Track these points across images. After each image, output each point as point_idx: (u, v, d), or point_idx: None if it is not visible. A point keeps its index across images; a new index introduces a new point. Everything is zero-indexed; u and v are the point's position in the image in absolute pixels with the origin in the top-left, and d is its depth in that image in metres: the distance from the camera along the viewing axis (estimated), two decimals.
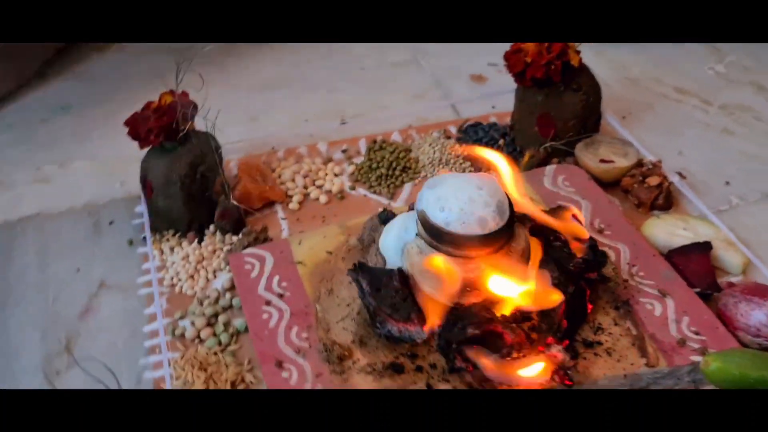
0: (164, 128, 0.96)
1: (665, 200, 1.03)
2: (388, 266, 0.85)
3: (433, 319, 0.80)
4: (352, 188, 1.09)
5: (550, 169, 1.06)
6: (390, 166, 1.10)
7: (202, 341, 0.89)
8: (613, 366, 0.81)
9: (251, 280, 0.91)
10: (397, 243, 0.84)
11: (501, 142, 1.15)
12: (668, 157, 1.11)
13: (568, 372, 0.78)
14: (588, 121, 1.10)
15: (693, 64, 1.36)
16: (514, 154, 1.12)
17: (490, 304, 0.79)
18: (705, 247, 0.94)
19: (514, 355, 0.78)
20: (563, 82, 1.06)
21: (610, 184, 1.06)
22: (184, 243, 1.00)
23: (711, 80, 1.32)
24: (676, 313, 0.86)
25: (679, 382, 0.82)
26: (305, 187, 1.09)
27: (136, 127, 0.97)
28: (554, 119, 1.08)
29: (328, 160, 1.14)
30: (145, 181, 1.01)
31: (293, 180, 1.10)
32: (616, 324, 0.85)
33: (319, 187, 1.09)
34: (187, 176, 0.98)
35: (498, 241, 0.79)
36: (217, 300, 0.93)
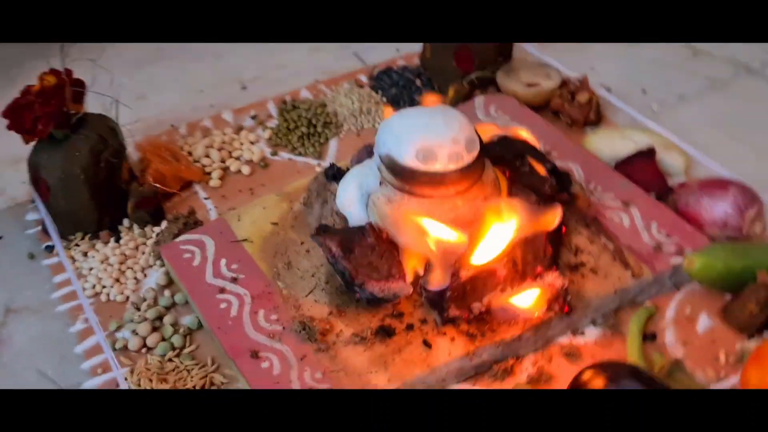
0: (53, 114, 0.81)
1: (596, 115, 1.02)
2: (352, 225, 0.77)
3: (414, 271, 0.73)
4: (274, 153, 0.99)
5: (479, 100, 1.01)
6: (309, 125, 1.01)
7: (150, 350, 0.76)
8: (601, 284, 0.78)
9: (195, 269, 0.79)
10: (359, 197, 0.76)
11: (418, 82, 1.09)
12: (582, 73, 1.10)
13: (567, 298, 0.74)
14: (504, 49, 1.07)
15: None
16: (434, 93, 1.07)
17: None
18: (650, 153, 0.93)
19: (508, 290, 0.73)
20: None
21: (538, 108, 1.03)
22: (98, 245, 0.86)
23: None
24: (643, 220, 0.84)
25: (663, 288, 0.81)
26: (222, 161, 0.97)
27: (18, 118, 0.81)
28: (472, 51, 1.03)
29: (238, 129, 1.03)
30: (37, 181, 0.86)
31: (207, 155, 0.98)
32: (591, 242, 0.82)
33: (237, 158, 0.98)
34: (90, 166, 0.84)
35: (473, 175, 0.73)
36: (155, 300, 0.81)
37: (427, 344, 0.72)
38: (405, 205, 0.72)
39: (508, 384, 0.73)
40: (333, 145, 1.00)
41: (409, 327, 0.74)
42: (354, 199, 0.77)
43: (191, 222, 0.87)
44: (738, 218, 0.83)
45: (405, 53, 1.16)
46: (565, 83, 1.04)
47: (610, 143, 0.96)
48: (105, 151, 0.85)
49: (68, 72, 0.83)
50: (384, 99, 1.06)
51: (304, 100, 1.06)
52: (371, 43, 1.19)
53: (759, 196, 0.85)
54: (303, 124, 1.01)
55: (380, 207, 0.74)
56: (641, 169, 0.92)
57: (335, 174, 0.82)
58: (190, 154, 0.98)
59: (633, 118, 1.03)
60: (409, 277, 0.73)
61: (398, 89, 1.07)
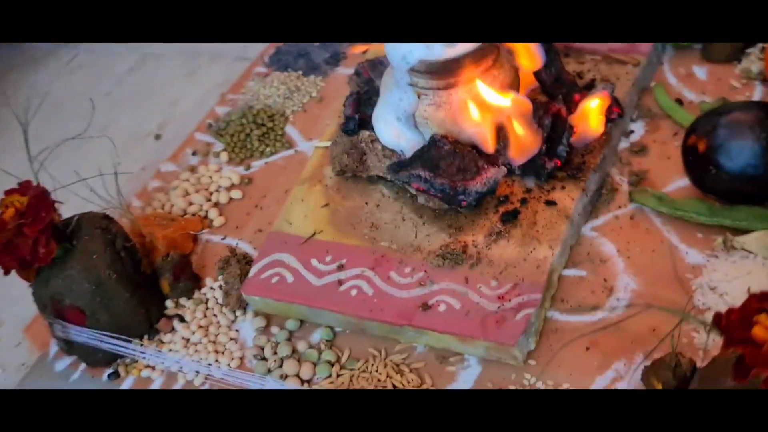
0: (48, 230, 0.69)
1: None
2: (409, 152, 0.75)
3: (493, 148, 0.73)
4: (248, 168, 0.92)
5: None
6: (257, 125, 0.95)
7: (310, 381, 0.70)
8: (619, 85, 0.83)
9: (297, 284, 0.73)
10: (404, 124, 0.74)
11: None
12: None
13: (616, 101, 0.77)
14: None
15: None
16: (335, 48, 1.05)
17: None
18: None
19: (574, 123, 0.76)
20: None
21: None
22: (164, 337, 0.76)
23: None
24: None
25: (653, 66, 0.89)
26: (208, 199, 0.89)
27: (12, 255, 0.68)
28: None
29: (192, 169, 0.94)
30: (61, 313, 0.73)
31: (190, 203, 0.89)
32: (582, 63, 0.87)
33: (218, 190, 0.90)
34: (114, 262, 0.73)
35: (492, 48, 0.73)
36: (275, 349, 0.73)
37: (550, 203, 0.73)
38: (455, 99, 0.72)
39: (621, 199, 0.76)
40: (293, 131, 0.96)
41: (523, 201, 0.74)
42: (400, 130, 0.75)
43: (242, 259, 0.79)
44: None
45: None
46: None
47: None
48: (117, 240, 0.74)
49: (28, 183, 0.71)
50: (300, 72, 1.03)
51: (229, 113, 1.00)
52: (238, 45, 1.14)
53: None
54: (252, 128, 0.95)
55: (434, 115, 0.73)
56: None
57: (357, 124, 0.79)
58: (170, 212, 0.88)
59: None
60: (494, 156, 0.73)
61: (304, 57, 1.04)
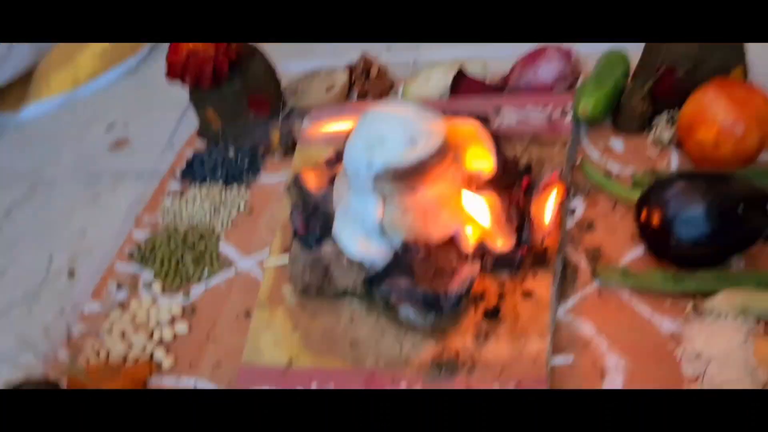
0: None
1: (389, 78, 1.08)
2: (379, 262, 0.72)
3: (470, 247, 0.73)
4: (187, 294, 0.85)
5: (306, 121, 0.99)
6: (188, 247, 0.89)
7: None
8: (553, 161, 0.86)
9: None
10: (370, 235, 0.72)
11: (231, 154, 1.02)
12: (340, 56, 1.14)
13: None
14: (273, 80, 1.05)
15: None
16: (249, 154, 1.01)
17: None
18: (462, 73, 1.03)
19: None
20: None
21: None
22: None
23: None
24: (519, 112, 0.94)
25: (576, 142, 0.93)
26: (150, 338, 0.81)
27: None
28: (264, 91, 1.01)
29: (123, 305, 0.85)
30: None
31: (129, 347, 0.80)
32: (524, 149, 0.90)
33: (159, 326, 0.82)
34: None
35: (446, 149, 0.73)
36: None
37: (527, 294, 0.73)
38: (422, 201, 0.71)
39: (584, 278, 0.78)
40: (228, 248, 0.90)
41: (501, 296, 0.73)
42: (367, 240, 0.72)
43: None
44: (568, 65, 0.98)
45: (176, 146, 1.07)
46: (350, 69, 1.08)
47: (425, 88, 1.04)
48: None
49: None
50: (221, 181, 0.98)
51: (151, 238, 0.92)
52: (144, 163, 1.07)
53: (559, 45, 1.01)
54: (183, 251, 0.88)
55: (402, 220, 0.71)
56: (469, 86, 1.02)
57: (309, 239, 0.75)
58: (106, 360, 0.79)
59: (407, 64, 1.12)
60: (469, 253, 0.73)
61: (221, 166, 0.99)
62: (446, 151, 0.72)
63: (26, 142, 1.18)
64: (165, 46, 0.95)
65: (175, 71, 0.94)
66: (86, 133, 1.17)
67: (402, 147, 0.69)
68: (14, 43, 1.17)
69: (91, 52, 1.22)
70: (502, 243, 0.73)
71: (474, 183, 0.77)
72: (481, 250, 0.73)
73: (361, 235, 0.72)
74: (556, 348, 0.73)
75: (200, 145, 1.05)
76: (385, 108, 0.73)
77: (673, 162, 0.89)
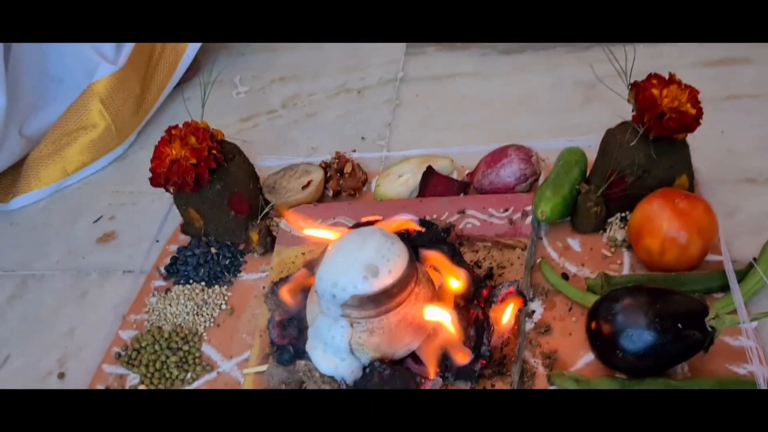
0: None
1: (364, 173, 1.15)
2: (349, 377, 0.78)
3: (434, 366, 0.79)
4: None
5: (284, 226, 1.06)
6: (173, 349, 0.94)
7: None
8: (511, 270, 0.93)
9: None
10: (339, 355, 0.78)
11: (213, 251, 1.08)
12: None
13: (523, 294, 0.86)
14: (253, 179, 1.11)
15: None
16: (230, 251, 1.07)
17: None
18: (431, 171, 1.09)
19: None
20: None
21: (323, 198, 1.12)
22: None
23: None
24: (483, 212, 1.01)
25: (536, 245, 1.00)
26: None
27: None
28: (243, 191, 1.07)
29: None
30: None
31: None
32: (476, 252, 0.96)
33: None
34: None
35: (413, 274, 0.80)
36: None
37: None
38: (387, 323, 0.77)
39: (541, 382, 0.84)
40: (210, 351, 0.95)
41: None
42: (335, 361, 0.78)
43: None
44: (529, 166, 1.05)
45: (161, 245, 1.12)
46: (325, 166, 1.14)
47: (395, 185, 1.10)
48: None
49: None
50: (202, 282, 1.03)
51: (137, 338, 0.97)
52: (132, 256, 1.12)
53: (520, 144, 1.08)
54: (168, 354, 0.94)
55: (369, 341, 0.77)
56: (436, 184, 1.09)
57: (291, 357, 0.81)
58: None
59: (379, 159, 1.19)
60: (432, 371, 0.79)
61: (204, 265, 1.05)
62: (410, 276, 0.78)
63: (15, 234, 1.23)
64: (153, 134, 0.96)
65: (158, 180, 0.99)
66: (74, 224, 1.22)
67: (364, 281, 0.75)
68: (4, 136, 1.22)
69: (79, 145, 1.28)
70: (461, 356, 0.79)
71: (437, 298, 0.84)
72: (443, 363, 0.79)
73: (331, 354, 0.78)
74: None
75: (184, 240, 1.11)
76: (351, 237, 0.79)
77: (626, 262, 0.96)
